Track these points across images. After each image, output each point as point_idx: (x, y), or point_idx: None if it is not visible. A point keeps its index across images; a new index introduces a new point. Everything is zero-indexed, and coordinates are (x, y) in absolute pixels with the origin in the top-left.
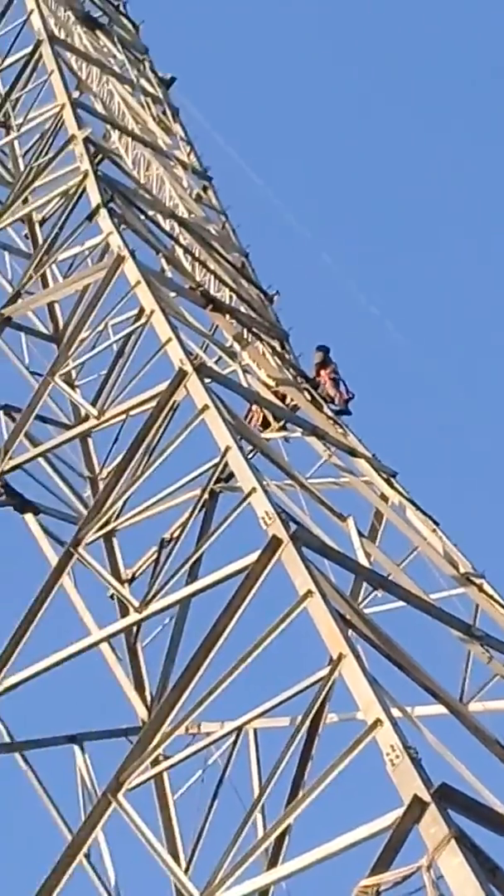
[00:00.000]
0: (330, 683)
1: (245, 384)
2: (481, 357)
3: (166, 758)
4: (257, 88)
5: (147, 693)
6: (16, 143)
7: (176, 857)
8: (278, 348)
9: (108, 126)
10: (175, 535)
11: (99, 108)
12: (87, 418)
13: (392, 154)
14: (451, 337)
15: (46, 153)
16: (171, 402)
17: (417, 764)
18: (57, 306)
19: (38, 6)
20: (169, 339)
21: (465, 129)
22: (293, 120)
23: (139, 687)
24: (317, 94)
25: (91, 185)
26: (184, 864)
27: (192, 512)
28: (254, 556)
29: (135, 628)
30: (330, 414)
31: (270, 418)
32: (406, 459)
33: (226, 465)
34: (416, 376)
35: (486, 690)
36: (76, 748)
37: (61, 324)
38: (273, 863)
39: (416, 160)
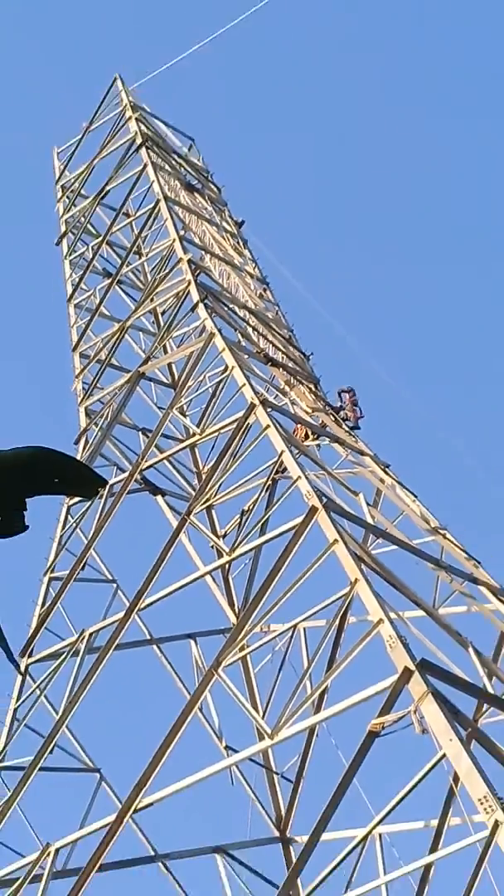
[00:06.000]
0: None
1: (292, 412)
2: None
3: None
4: (328, 227)
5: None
6: (145, 264)
7: None
8: (313, 389)
9: (203, 252)
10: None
11: (197, 241)
12: (193, 435)
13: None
14: None
15: (164, 269)
16: (244, 426)
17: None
18: (173, 365)
19: (157, 177)
20: (243, 384)
21: None
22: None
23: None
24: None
25: (193, 289)
26: None
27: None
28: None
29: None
30: (346, 429)
31: (308, 433)
32: None
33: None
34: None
35: None
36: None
37: (177, 376)
38: None
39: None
